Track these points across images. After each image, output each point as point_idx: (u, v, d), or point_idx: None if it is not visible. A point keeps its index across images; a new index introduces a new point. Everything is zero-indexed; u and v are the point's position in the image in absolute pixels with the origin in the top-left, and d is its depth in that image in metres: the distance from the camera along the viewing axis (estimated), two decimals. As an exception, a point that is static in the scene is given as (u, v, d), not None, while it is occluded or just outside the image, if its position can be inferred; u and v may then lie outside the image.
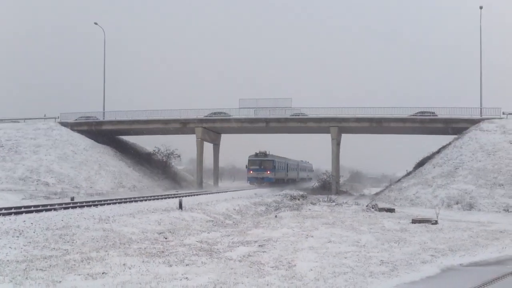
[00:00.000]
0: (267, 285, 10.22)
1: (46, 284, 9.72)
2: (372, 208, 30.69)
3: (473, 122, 45.96)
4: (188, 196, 34.43)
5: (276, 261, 13.02)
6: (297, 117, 51.65)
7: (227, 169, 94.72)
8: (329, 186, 52.57)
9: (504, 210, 30.72)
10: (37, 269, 11.09)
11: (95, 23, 55.10)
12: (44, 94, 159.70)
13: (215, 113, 53.69)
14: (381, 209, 30.01)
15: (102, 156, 47.64)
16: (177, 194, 36.52)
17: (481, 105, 48.26)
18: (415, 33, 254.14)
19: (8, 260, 12.14)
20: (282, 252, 14.55)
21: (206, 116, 53.58)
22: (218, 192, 43.23)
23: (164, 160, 59.68)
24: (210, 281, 10.41)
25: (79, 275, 10.66)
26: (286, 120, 51.81)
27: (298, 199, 38.07)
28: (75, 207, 23.48)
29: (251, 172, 58.17)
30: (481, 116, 47.15)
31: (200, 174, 54.00)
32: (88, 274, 10.71)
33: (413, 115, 49.43)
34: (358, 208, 31.36)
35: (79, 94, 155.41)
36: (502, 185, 33.98)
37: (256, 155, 58.23)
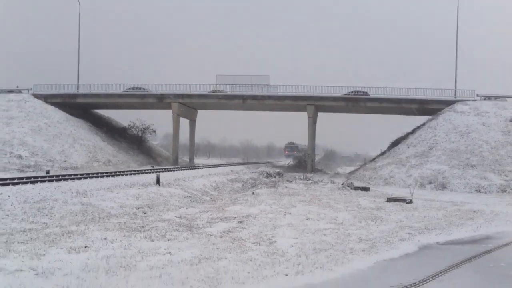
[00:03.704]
0: (251, 260, 10.34)
1: (30, 257, 9.65)
2: (348, 186, 31.09)
3: (448, 103, 46.60)
4: (165, 171, 34.31)
5: (257, 237, 13.15)
6: (274, 94, 51.53)
7: (202, 145, 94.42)
8: (305, 164, 52.91)
9: (476, 190, 31.46)
10: (18, 242, 11.01)
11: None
12: (16, 64, 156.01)
13: (133, 88, 53.46)
14: (356, 188, 30.40)
15: (76, 130, 46.91)
16: (153, 169, 36.30)
17: (455, 87, 48.90)
18: (392, 16, 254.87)
19: (-14, 233, 12.01)
20: (262, 228, 14.69)
21: (124, 91, 52.93)
22: (195, 168, 43.19)
23: (140, 135, 59.09)
24: (193, 256, 10.48)
25: (61, 248, 10.62)
26: (263, 97, 51.58)
27: (274, 177, 38.25)
28: (52, 180, 23.15)
29: (286, 152, 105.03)
30: (455, 97, 47.78)
31: (176, 150, 53.64)
32: (70, 248, 10.67)
33: (345, 94, 50.46)
34: (334, 187, 31.70)
35: (54, 65, 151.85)
36: (475, 166, 34.72)
37: (289, 143, 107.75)
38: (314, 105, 50.48)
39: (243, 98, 51.68)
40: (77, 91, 53.43)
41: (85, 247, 10.88)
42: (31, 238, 11.53)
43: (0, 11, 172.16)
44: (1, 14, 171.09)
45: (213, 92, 52.51)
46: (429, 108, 48.04)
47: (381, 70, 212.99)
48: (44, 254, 9.95)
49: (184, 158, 63.04)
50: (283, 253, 11.24)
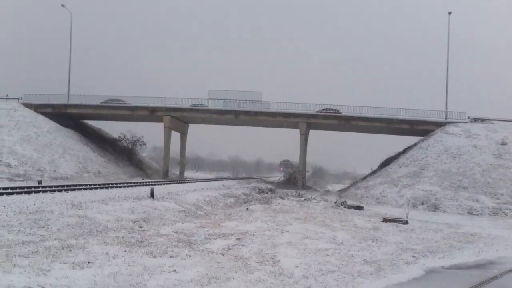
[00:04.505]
0: (260, 281, 10.12)
1: (35, 272, 9.33)
2: (341, 205, 30.93)
3: (439, 125, 46.92)
4: (157, 184, 33.97)
5: (259, 256, 12.93)
6: (266, 110, 51.65)
7: (191, 158, 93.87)
8: (295, 181, 52.83)
9: (468, 212, 31.49)
10: (19, 256, 10.65)
11: (62, 5, 53.43)
12: (6, 74, 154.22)
13: (111, 100, 53.62)
14: (350, 206, 30.26)
15: (66, 140, 46.45)
16: (145, 182, 35.97)
17: (446, 109, 49.21)
18: (385, 35, 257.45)
19: (-16, 244, 11.67)
20: (261, 246, 14.48)
21: (102, 102, 52.99)
22: (186, 182, 42.90)
23: (130, 147, 58.76)
24: (200, 275, 10.24)
25: (65, 263, 10.30)
26: (256, 113, 51.69)
27: (267, 193, 38.04)
28: (46, 191, 22.77)
29: (281, 168, 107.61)
30: (446, 119, 48.13)
31: (167, 163, 53.44)
32: (73, 263, 10.36)
33: (318, 112, 51.23)
34: (327, 204, 31.54)
35: (46, 74, 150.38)
36: (466, 188, 34.81)
37: (284, 160, 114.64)
38: (306, 122, 50.62)
39: (236, 113, 51.74)
40: (68, 102, 53.09)
41: (89, 262, 10.57)
42: (32, 252, 11.18)
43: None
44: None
45: (194, 106, 52.67)
46: (419, 129, 48.31)
47: (372, 89, 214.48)
48: (49, 270, 9.62)
49: (173, 171, 62.65)
50: (290, 274, 11.03)
